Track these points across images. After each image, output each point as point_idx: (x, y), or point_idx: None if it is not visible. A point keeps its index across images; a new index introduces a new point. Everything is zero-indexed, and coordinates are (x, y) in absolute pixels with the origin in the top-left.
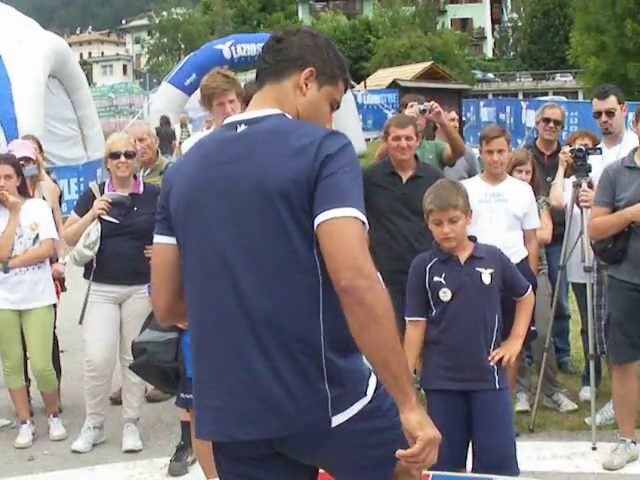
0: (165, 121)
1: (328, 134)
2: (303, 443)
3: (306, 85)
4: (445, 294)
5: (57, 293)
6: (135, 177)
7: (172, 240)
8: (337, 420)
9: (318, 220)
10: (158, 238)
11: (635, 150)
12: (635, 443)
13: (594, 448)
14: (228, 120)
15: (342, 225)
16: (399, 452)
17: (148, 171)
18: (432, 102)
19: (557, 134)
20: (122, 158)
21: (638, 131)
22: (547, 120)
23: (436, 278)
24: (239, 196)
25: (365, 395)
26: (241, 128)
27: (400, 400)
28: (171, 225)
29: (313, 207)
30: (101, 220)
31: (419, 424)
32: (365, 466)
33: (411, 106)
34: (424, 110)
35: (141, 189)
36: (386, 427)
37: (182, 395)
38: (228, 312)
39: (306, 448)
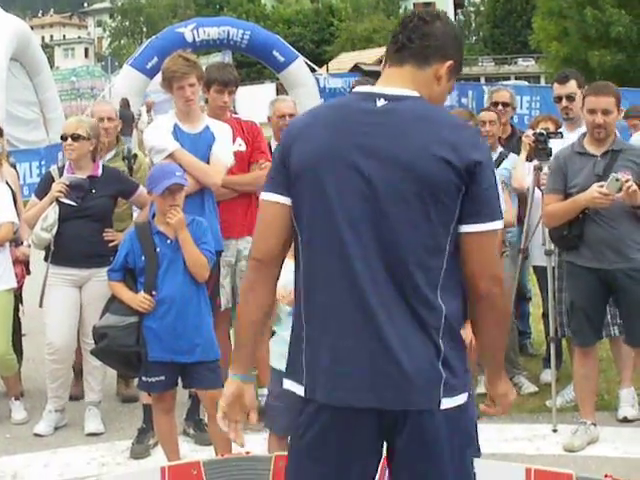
0: (125, 103)
1: (478, 134)
2: (408, 420)
3: (443, 77)
4: None
5: (22, 277)
6: (94, 159)
7: (287, 201)
8: (445, 404)
9: (472, 228)
10: (273, 196)
11: (584, 135)
12: (595, 425)
13: (555, 430)
14: (363, 89)
15: (491, 238)
16: (487, 409)
17: (112, 154)
18: None
19: (507, 116)
20: (69, 140)
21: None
22: (496, 104)
23: None
24: (383, 172)
25: (468, 389)
26: (381, 102)
27: (498, 374)
28: (288, 185)
29: (465, 209)
30: (59, 203)
31: (506, 391)
32: (443, 459)
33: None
34: None
35: (99, 172)
36: (470, 425)
37: (144, 378)
38: (359, 281)
39: (408, 426)
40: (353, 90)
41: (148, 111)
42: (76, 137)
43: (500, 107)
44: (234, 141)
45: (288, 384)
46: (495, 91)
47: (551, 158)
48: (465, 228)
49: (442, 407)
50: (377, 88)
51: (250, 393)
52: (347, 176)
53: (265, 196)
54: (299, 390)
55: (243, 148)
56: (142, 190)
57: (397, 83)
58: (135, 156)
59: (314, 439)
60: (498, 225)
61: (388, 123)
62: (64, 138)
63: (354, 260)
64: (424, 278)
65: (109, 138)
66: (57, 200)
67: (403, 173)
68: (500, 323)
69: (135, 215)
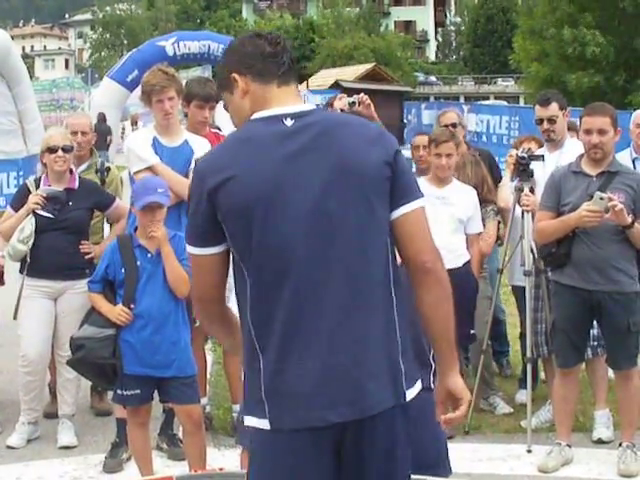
0: (102, 118)
1: (385, 130)
2: (376, 423)
3: None
4: None
5: None
6: (71, 172)
7: (222, 247)
8: (409, 394)
9: (407, 208)
10: (208, 250)
11: (582, 156)
12: (570, 446)
13: (529, 451)
14: (261, 114)
15: (423, 214)
16: (448, 416)
17: (84, 167)
18: (362, 94)
19: (460, 135)
20: (60, 152)
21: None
22: (445, 127)
23: None
24: (325, 184)
25: (419, 376)
26: (290, 121)
27: (452, 365)
28: (221, 230)
29: (395, 196)
30: (36, 215)
31: (463, 387)
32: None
33: (340, 98)
34: (353, 102)
35: (76, 184)
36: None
37: (119, 392)
38: (338, 294)
39: (377, 429)
40: (251, 118)
41: (133, 124)
42: (68, 149)
43: (450, 129)
44: None
45: (249, 421)
46: (441, 114)
47: (532, 178)
48: (402, 210)
49: (408, 399)
50: (278, 110)
51: None
52: (290, 201)
53: (197, 251)
54: (261, 424)
55: None
56: (118, 203)
57: (295, 100)
58: (108, 169)
59: (284, 469)
60: (423, 202)
61: (311, 137)
62: (54, 150)
63: (307, 277)
64: (381, 275)
65: (83, 152)
66: (34, 212)
67: (346, 178)
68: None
69: (106, 229)
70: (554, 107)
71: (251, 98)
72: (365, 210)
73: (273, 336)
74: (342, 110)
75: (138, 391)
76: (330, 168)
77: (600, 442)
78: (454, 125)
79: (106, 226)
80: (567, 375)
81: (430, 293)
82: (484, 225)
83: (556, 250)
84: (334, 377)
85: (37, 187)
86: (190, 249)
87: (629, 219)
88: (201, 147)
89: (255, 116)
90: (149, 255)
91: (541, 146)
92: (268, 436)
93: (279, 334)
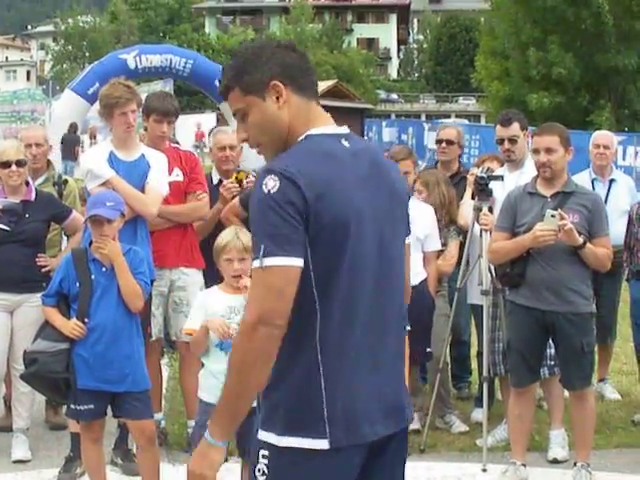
0: (73, 128)
1: None
2: (403, 435)
3: None
4: None
5: None
6: (27, 184)
7: (302, 263)
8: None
9: (407, 240)
10: (295, 261)
11: (537, 176)
12: (525, 466)
13: (484, 470)
14: (324, 131)
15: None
16: None
17: (42, 180)
18: None
19: (453, 154)
20: (13, 167)
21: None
22: (440, 141)
23: None
24: (384, 210)
25: None
26: (346, 142)
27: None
28: (302, 245)
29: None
30: None
31: None
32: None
33: None
34: None
35: (33, 196)
36: None
37: (72, 406)
38: (389, 318)
39: (403, 441)
40: (315, 133)
41: (91, 138)
42: (22, 163)
43: (444, 145)
44: (172, 171)
45: (299, 442)
46: (442, 128)
47: (490, 198)
48: (406, 241)
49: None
50: (331, 129)
51: None
52: (367, 223)
53: (286, 261)
54: (316, 444)
55: (180, 178)
56: (75, 215)
57: (331, 122)
58: (65, 182)
59: None
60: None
61: (368, 162)
62: (7, 165)
63: (375, 300)
64: (402, 307)
65: (39, 164)
66: None
67: (396, 208)
68: None
69: (64, 242)
70: (515, 127)
71: (292, 111)
72: (402, 241)
73: (343, 357)
74: None
75: (92, 406)
76: (387, 197)
77: (555, 462)
78: (450, 142)
79: (64, 239)
80: (521, 395)
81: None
82: (446, 244)
83: (510, 270)
84: (386, 393)
85: None
86: (275, 260)
87: (580, 239)
88: (158, 161)
89: (316, 132)
90: (104, 269)
91: (503, 165)
92: (321, 456)
93: (348, 356)
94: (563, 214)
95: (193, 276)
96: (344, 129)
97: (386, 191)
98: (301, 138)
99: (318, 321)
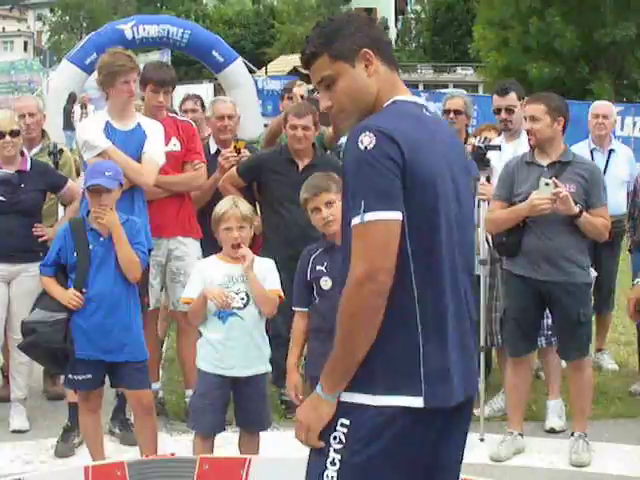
0: (72, 98)
1: None
2: (469, 406)
3: None
4: (326, 282)
5: None
6: (22, 154)
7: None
8: None
9: None
10: (396, 215)
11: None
12: (522, 435)
13: (482, 439)
14: (410, 99)
15: None
16: None
17: (37, 149)
18: None
19: (461, 124)
20: (7, 137)
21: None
22: (447, 111)
23: (318, 267)
24: (462, 177)
25: None
26: (426, 111)
27: None
28: (401, 199)
29: None
30: None
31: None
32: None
33: (299, 85)
34: (313, 90)
35: (28, 166)
36: None
37: (70, 376)
38: (465, 279)
39: (467, 414)
40: (402, 99)
41: (82, 107)
42: (15, 133)
43: (452, 115)
44: (169, 140)
45: (398, 401)
46: (449, 98)
47: (488, 168)
48: None
49: None
50: (414, 98)
51: None
52: (449, 185)
53: (389, 215)
54: (413, 402)
55: (178, 148)
56: (71, 184)
57: (410, 93)
58: (61, 151)
59: (422, 448)
60: None
61: (446, 134)
62: (1, 135)
63: (456, 267)
64: (472, 269)
65: (32, 134)
66: None
67: (468, 178)
68: None
69: (61, 212)
70: (512, 97)
71: (380, 80)
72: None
73: (437, 317)
74: (302, 97)
75: (89, 376)
76: (462, 166)
77: (552, 431)
78: (458, 112)
79: (60, 209)
80: (518, 364)
81: None
82: None
83: (506, 240)
84: (470, 358)
85: None
86: (378, 214)
87: (576, 208)
88: (154, 130)
89: (403, 98)
90: (101, 239)
91: (500, 135)
92: (412, 415)
93: (442, 317)
94: (557, 182)
95: (191, 246)
96: (423, 100)
97: (460, 160)
98: (388, 103)
99: (414, 281)
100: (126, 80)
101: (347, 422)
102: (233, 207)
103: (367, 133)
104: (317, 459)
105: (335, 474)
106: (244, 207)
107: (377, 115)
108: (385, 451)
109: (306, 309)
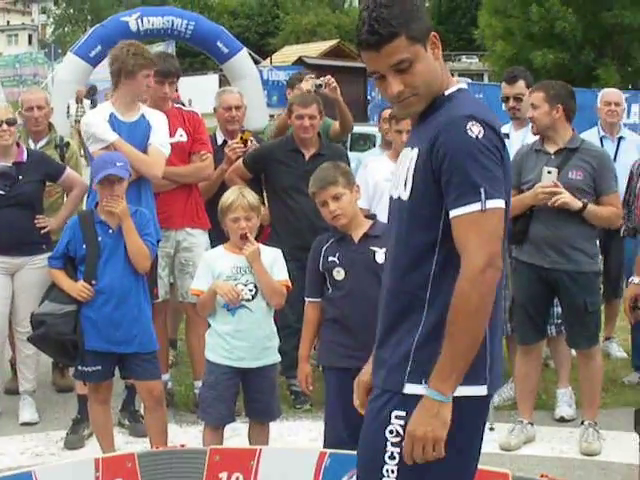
0: (92, 91)
1: None
2: None
3: None
4: (339, 273)
5: None
6: (18, 145)
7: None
8: None
9: None
10: (504, 203)
11: None
12: (532, 424)
13: (491, 429)
14: (465, 87)
15: None
16: None
17: (43, 142)
18: (328, 77)
19: None
20: (4, 126)
21: None
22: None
23: (331, 258)
24: None
25: None
26: None
27: None
28: None
29: None
30: None
31: None
32: None
33: (307, 80)
34: (320, 85)
35: (25, 157)
36: None
37: (80, 368)
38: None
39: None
40: (464, 87)
41: (77, 102)
42: (12, 122)
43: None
44: (175, 131)
45: (467, 391)
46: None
47: None
48: None
49: None
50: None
51: None
52: None
53: (500, 203)
54: (479, 391)
55: (184, 139)
56: (69, 171)
57: None
58: (67, 144)
59: (478, 433)
60: None
61: None
62: None
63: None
64: None
65: (40, 127)
66: None
67: None
68: None
69: None
70: (521, 85)
71: (442, 65)
72: None
73: (496, 305)
74: (309, 91)
75: (99, 367)
76: None
77: (562, 420)
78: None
79: None
80: (528, 352)
81: None
82: None
83: (513, 227)
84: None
85: None
86: (495, 203)
87: (579, 204)
88: (158, 121)
89: (463, 86)
90: (110, 231)
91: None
92: (478, 402)
93: (498, 303)
94: (557, 182)
95: (199, 237)
96: None
97: None
98: (452, 91)
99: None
100: (148, 74)
101: (403, 414)
102: (240, 197)
103: (474, 122)
104: (372, 455)
105: (395, 467)
106: (251, 197)
107: (467, 104)
108: (447, 440)
109: (318, 300)
